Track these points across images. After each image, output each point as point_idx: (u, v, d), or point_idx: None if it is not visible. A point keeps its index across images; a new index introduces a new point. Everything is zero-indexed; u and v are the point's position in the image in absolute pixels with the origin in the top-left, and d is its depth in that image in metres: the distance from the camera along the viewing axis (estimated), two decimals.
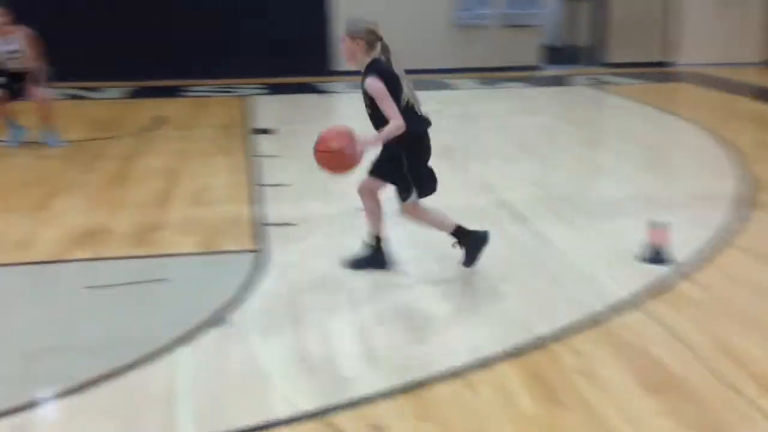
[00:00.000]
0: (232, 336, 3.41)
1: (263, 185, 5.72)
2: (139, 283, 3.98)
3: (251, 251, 4.42)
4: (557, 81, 11.26)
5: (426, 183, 3.91)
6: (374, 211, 4.04)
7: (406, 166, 3.84)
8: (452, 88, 10.30)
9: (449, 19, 11.25)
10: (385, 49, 3.91)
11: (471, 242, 4.01)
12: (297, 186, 5.71)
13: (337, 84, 10.61)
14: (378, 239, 4.09)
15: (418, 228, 4.15)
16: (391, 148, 3.83)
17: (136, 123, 8.04)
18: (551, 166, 6.57)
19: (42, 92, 6.85)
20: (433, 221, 4.02)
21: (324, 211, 5.18)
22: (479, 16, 11.33)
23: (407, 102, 3.82)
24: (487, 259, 4.03)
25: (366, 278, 4.02)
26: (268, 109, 8.87)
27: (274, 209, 5.17)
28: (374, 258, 4.09)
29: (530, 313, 3.60)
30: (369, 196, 4.03)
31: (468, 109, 9.03)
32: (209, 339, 3.38)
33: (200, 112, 8.78)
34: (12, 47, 6.66)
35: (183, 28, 10.45)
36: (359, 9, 10.39)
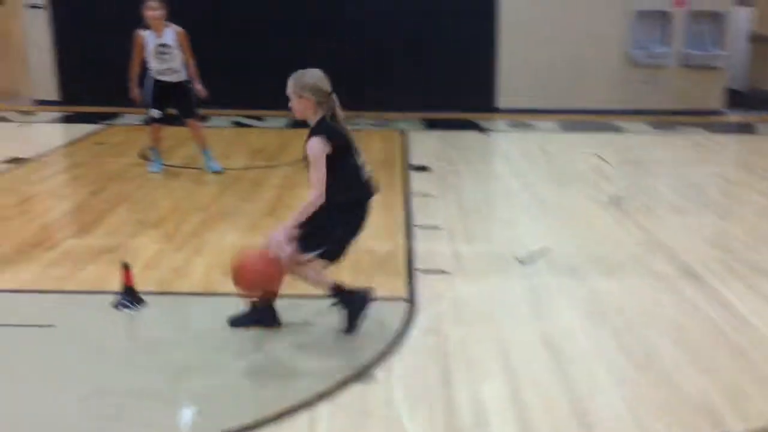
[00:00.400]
0: (376, 394, 3.17)
1: (417, 226, 5.48)
2: (282, 326, 3.83)
3: (401, 299, 4.17)
4: (741, 128, 10.29)
5: (335, 249, 3.56)
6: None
7: (330, 224, 3.46)
8: (622, 131, 9.66)
9: (623, 56, 10.61)
10: (334, 106, 3.55)
11: (352, 304, 3.62)
12: (452, 228, 5.45)
13: (499, 122, 10.29)
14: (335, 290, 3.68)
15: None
16: (317, 213, 3.46)
17: (295, 153, 8.10)
18: (731, 221, 5.91)
19: (193, 120, 7.06)
20: (314, 279, 3.64)
21: (481, 258, 4.87)
22: (657, 55, 10.58)
23: (354, 167, 3.49)
24: (661, 327, 3.55)
25: (523, 334, 3.67)
26: (426, 144, 8.69)
27: (427, 253, 4.91)
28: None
29: (720, 402, 3.08)
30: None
31: (638, 155, 8.38)
32: (352, 395, 3.16)
33: (358, 144, 8.73)
34: (164, 41, 6.75)
35: (347, 58, 10.57)
36: (526, 45, 10.46)
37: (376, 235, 5.32)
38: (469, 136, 9.29)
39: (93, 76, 10.48)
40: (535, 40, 10.53)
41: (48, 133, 9.67)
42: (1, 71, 11.11)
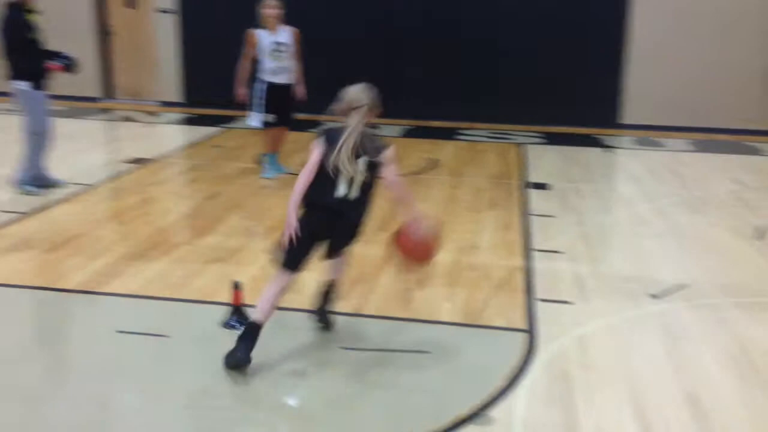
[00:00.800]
0: None
1: (536, 250, 5.15)
2: (395, 351, 3.63)
3: (520, 330, 3.88)
4: None
5: (292, 256, 3.41)
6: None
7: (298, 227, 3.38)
8: (761, 153, 8.91)
9: (761, 73, 9.80)
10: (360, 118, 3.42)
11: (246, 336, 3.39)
12: (574, 254, 5.09)
13: (623, 138, 9.74)
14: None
15: None
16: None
17: (409, 164, 7.93)
18: None
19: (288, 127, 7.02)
20: (270, 301, 3.42)
21: (607, 289, 4.48)
22: None
23: (330, 171, 3.36)
24: None
25: (657, 384, 3.29)
26: (545, 160, 8.29)
27: (548, 280, 4.58)
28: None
29: None
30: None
31: None
32: None
33: (474, 157, 8.46)
34: (280, 39, 6.73)
35: (463, 68, 10.32)
36: (656, 60, 9.84)
37: (493, 255, 5.05)
38: (591, 153, 8.81)
39: (216, 80, 10.69)
40: (666, 56, 9.92)
41: (170, 135, 9.97)
42: (130, 72, 11.56)
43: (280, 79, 6.81)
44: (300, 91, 6.95)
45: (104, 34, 11.41)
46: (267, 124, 6.91)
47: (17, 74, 6.06)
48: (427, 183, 7.15)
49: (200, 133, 9.45)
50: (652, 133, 9.85)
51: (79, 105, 10.89)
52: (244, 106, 6.92)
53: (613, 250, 5.53)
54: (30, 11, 6.10)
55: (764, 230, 5.66)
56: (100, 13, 11.35)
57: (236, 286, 3.89)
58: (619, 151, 9.12)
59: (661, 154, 8.78)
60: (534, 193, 6.74)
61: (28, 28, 6.05)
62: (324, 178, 3.38)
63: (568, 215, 6.06)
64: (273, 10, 6.70)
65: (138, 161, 7.64)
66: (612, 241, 5.74)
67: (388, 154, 3.44)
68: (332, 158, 3.36)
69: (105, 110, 11.06)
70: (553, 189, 6.89)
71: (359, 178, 3.40)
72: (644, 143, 9.45)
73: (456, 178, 7.46)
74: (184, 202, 6.53)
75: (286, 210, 3.40)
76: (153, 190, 6.69)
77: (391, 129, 10.01)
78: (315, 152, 3.41)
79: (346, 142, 3.37)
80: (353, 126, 3.40)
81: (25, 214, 5.73)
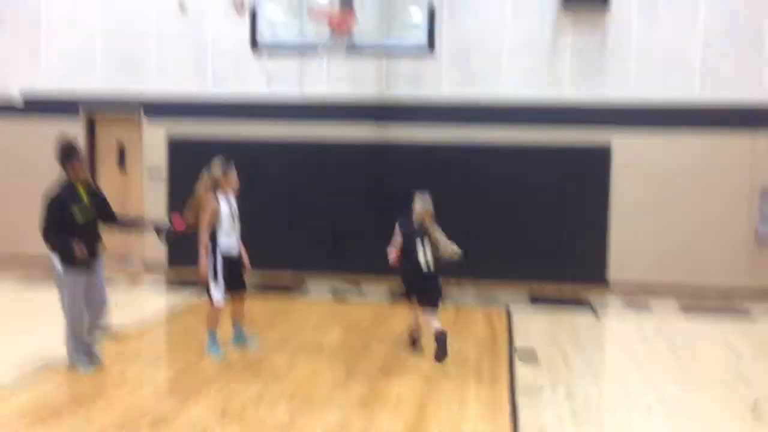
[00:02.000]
0: None
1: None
2: None
3: None
4: None
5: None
6: None
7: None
8: (752, 317, 8.76)
9: (747, 233, 9.88)
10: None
11: None
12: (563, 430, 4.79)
13: (612, 299, 9.62)
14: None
15: None
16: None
17: (392, 332, 7.70)
18: None
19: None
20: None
21: None
22: None
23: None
24: None
25: None
26: (532, 326, 8.11)
27: None
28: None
29: None
30: None
31: None
32: None
33: (459, 320, 8.28)
34: (235, 206, 6.62)
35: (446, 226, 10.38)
36: (639, 219, 9.94)
37: None
38: (579, 317, 8.63)
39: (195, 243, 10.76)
40: (649, 214, 10.05)
41: (150, 300, 9.68)
42: (118, 236, 11.57)
43: (235, 251, 6.66)
44: (246, 261, 6.81)
45: None
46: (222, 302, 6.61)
47: (52, 249, 5.87)
48: (410, 353, 6.90)
49: (180, 299, 9.27)
50: (639, 293, 9.77)
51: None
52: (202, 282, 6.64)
53: (602, 428, 5.23)
54: (82, 192, 5.96)
55: (759, 406, 5.41)
56: (92, 177, 11.55)
57: None
58: (607, 314, 8.96)
59: (649, 318, 8.60)
60: (522, 363, 6.51)
61: (71, 213, 5.83)
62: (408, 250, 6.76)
63: (556, 387, 5.81)
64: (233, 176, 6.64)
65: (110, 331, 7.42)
66: (601, 418, 5.44)
67: None
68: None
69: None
70: (540, 359, 6.67)
71: None
72: (632, 305, 9.32)
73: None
74: (150, 381, 6.23)
75: None
76: (120, 367, 6.39)
77: (375, 291, 9.88)
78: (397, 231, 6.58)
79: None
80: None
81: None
